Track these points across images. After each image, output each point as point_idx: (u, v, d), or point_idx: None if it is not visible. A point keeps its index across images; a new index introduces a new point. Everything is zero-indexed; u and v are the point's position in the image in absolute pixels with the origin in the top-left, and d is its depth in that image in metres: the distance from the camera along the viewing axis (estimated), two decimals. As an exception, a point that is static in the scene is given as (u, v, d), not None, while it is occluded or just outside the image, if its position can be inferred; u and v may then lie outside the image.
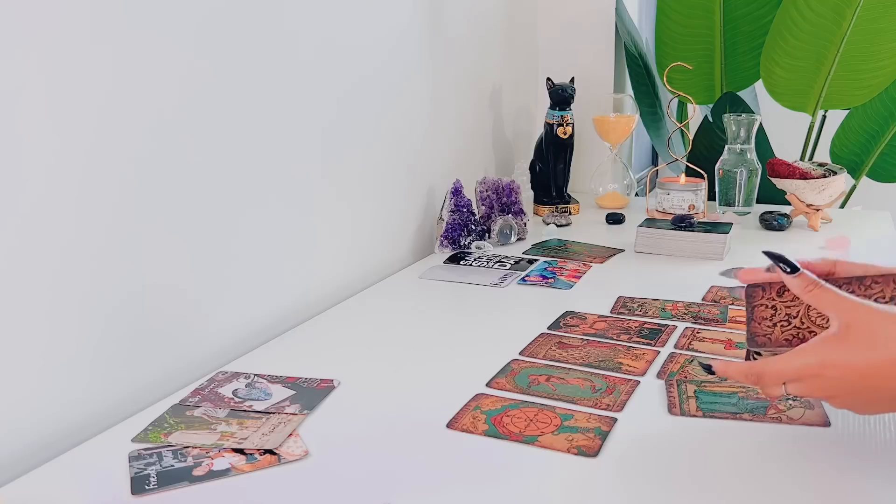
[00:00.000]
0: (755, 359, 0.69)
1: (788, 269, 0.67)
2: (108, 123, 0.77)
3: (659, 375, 0.86)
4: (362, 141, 1.22)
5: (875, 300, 0.67)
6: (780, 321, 0.69)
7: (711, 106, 2.04)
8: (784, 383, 0.65)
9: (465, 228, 1.40)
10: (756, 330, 0.70)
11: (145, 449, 0.72)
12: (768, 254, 0.68)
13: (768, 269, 0.71)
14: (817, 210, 1.54)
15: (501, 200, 1.48)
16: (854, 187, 2.23)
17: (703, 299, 1.12)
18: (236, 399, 0.82)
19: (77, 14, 0.73)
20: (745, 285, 0.72)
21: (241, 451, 0.71)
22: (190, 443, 0.72)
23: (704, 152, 1.95)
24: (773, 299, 0.70)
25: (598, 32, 1.94)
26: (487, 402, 0.80)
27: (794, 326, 0.69)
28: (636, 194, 1.98)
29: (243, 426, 0.76)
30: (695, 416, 0.77)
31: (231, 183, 0.95)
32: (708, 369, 0.71)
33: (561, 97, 1.65)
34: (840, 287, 0.67)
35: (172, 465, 0.69)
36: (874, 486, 0.64)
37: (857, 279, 0.68)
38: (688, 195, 1.60)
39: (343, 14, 1.14)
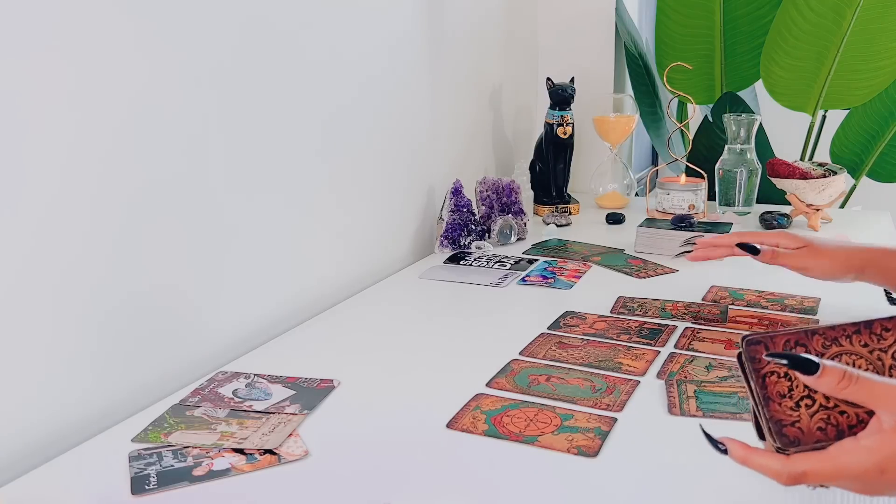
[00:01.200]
0: (786, 451, 0.56)
1: (806, 370, 0.54)
2: (108, 125, 0.77)
3: (659, 375, 0.86)
4: (363, 141, 1.22)
5: (892, 354, 0.57)
6: (803, 399, 0.56)
7: (711, 106, 2.04)
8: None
9: (465, 228, 1.40)
10: (780, 416, 0.56)
11: (145, 449, 0.72)
12: (774, 355, 0.55)
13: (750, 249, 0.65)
14: (817, 210, 1.54)
15: (501, 200, 1.48)
16: (854, 187, 2.23)
17: (703, 299, 1.12)
18: (236, 399, 0.82)
19: (80, 16, 0.73)
20: (742, 341, 0.58)
21: (241, 451, 0.71)
22: (190, 443, 0.72)
23: (704, 152, 1.95)
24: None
25: (598, 32, 1.94)
26: (487, 402, 0.80)
27: (820, 406, 0.56)
28: (636, 194, 1.98)
29: (243, 426, 0.76)
30: (695, 416, 0.77)
31: (231, 183, 0.95)
32: (716, 446, 0.59)
33: (561, 97, 1.65)
34: (848, 336, 0.57)
35: (172, 465, 0.69)
36: (874, 486, 0.64)
37: (864, 325, 0.58)
38: (688, 195, 1.60)
39: (343, 15, 1.14)
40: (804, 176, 1.52)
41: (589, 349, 0.94)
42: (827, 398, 0.56)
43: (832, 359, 0.57)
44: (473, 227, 1.41)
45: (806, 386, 0.56)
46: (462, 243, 1.40)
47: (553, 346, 0.95)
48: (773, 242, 0.99)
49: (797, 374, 0.54)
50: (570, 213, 1.70)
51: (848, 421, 0.56)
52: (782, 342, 0.57)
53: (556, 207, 1.70)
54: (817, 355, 0.56)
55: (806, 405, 0.56)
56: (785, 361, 0.55)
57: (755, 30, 2.04)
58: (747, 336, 0.57)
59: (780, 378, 0.57)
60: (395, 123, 1.31)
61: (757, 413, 0.57)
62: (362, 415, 0.79)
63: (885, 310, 0.97)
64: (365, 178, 1.24)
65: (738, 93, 2.03)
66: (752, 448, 0.56)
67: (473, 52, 1.62)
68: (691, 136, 1.88)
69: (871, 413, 0.54)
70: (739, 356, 0.58)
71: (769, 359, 0.55)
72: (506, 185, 1.48)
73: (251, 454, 0.70)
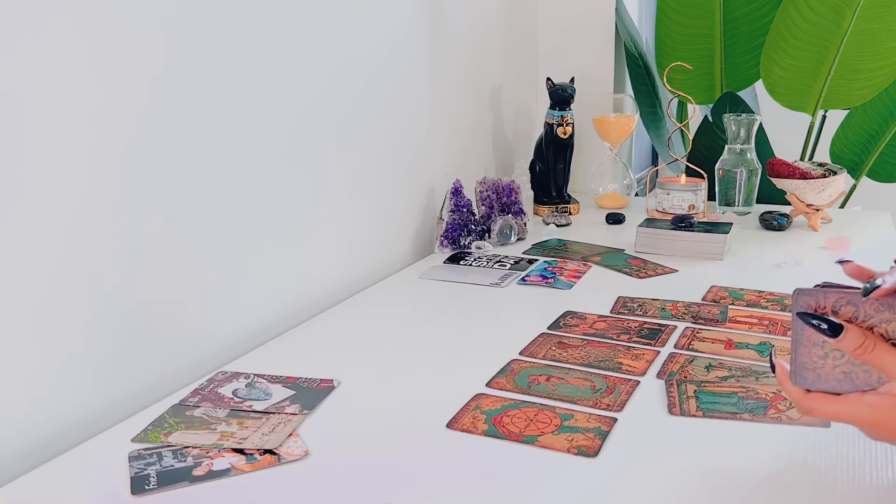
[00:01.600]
0: (803, 378, 0.63)
1: (830, 332, 0.60)
2: (111, 126, 0.77)
3: (659, 375, 0.86)
4: (363, 141, 1.22)
5: None
6: (833, 351, 0.61)
7: (711, 106, 2.04)
8: None
9: (465, 228, 1.40)
10: (804, 359, 0.62)
11: (145, 449, 0.72)
12: (803, 315, 0.61)
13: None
14: (817, 210, 1.54)
15: (501, 200, 1.48)
16: (854, 187, 2.23)
17: (703, 299, 1.12)
18: (236, 399, 0.82)
19: (80, 13, 0.73)
20: (795, 292, 0.62)
21: (241, 451, 0.71)
22: (190, 443, 0.72)
23: (704, 152, 1.95)
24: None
25: (598, 32, 1.94)
26: (487, 402, 0.80)
27: (848, 361, 0.61)
28: (636, 194, 1.98)
29: (243, 426, 0.76)
30: (695, 416, 0.77)
31: (231, 183, 0.95)
32: (772, 368, 0.66)
33: (561, 97, 1.65)
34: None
35: (172, 465, 0.69)
36: (874, 486, 0.64)
37: None
38: (688, 195, 1.60)
39: (343, 14, 1.14)
40: (804, 176, 1.52)
41: (589, 349, 0.94)
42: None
43: (880, 324, 0.60)
44: (473, 227, 1.41)
45: None
46: (462, 243, 1.40)
47: (553, 346, 0.95)
48: None
49: (823, 336, 0.60)
50: (570, 213, 1.70)
51: (867, 379, 0.61)
52: (834, 299, 0.61)
53: (556, 207, 1.70)
54: (866, 316, 0.61)
55: (834, 357, 0.62)
56: (814, 322, 0.60)
57: (755, 30, 2.04)
58: (801, 288, 0.62)
59: (818, 332, 0.61)
60: (396, 123, 1.31)
61: (791, 352, 0.63)
62: (362, 415, 0.79)
63: None
64: (365, 179, 1.24)
65: (738, 93, 2.03)
66: (787, 376, 0.64)
67: (473, 52, 1.62)
68: (691, 136, 1.88)
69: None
70: (793, 296, 0.63)
71: (803, 318, 0.61)
72: (506, 185, 1.48)
73: (251, 454, 0.70)
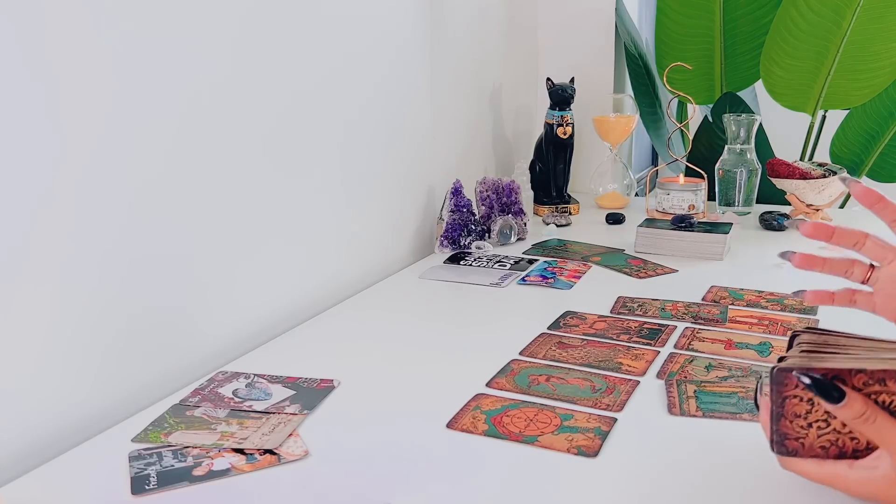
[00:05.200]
0: (786, 448, 0.60)
1: (829, 398, 0.56)
2: (116, 127, 0.77)
3: (659, 375, 0.86)
4: (362, 141, 1.22)
5: None
6: (818, 421, 0.58)
7: (711, 106, 2.04)
8: None
9: (465, 228, 1.40)
10: (787, 430, 0.59)
11: (145, 449, 0.72)
12: (806, 375, 0.57)
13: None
14: (817, 210, 1.54)
15: (501, 200, 1.48)
16: (854, 187, 2.23)
17: (702, 299, 1.12)
18: (236, 399, 0.82)
19: (82, 15, 0.73)
20: (772, 368, 0.58)
21: (241, 451, 0.71)
22: (190, 443, 0.72)
23: (704, 152, 1.95)
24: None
25: (598, 32, 1.94)
26: (487, 402, 0.80)
27: (833, 430, 0.58)
28: (636, 194, 1.98)
29: (243, 426, 0.76)
30: (695, 416, 0.77)
31: (231, 184, 0.95)
32: (756, 405, 0.64)
33: (561, 97, 1.65)
34: (885, 381, 0.56)
35: (172, 465, 0.69)
36: (874, 486, 0.64)
37: None
38: (688, 195, 1.60)
39: (343, 14, 1.14)
40: (804, 176, 1.52)
41: (589, 349, 0.94)
42: (843, 426, 0.58)
43: (870, 396, 0.57)
44: (473, 227, 1.41)
45: (826, 411, 0.58)
46: (462, 243, 1.40)
47: (553, 346, 0.95)
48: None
49: (820, 399, 0.56)
50: (570, 213, 1.70)
51: (855, 445, 0.58)
52: (819, 375, 0.57)
53: (556, 207, 1.70)
54: (854, 389, 0.57)
55: (818, 427, 0.58)
56: (809, 382, 0.56)
57: (755, 30, 2.03)
58: (779, 366, 0.58)
59: (801, 402, 0.58)
60: (396, 123, 1.31)
61: (771, 424, 0.59)
62: (362, 415, 0.79)
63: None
64: (365, 179, 1.24)
65: (738, 93, 2.02)
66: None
67: (473, 52, 1.62)
68: (691, 136, 1.88)
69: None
70: (771, 373, 0.59)
71: (799, 378, 0.56)
72: (506, 185, 1.48)
73: (251, 454, 0.70)
